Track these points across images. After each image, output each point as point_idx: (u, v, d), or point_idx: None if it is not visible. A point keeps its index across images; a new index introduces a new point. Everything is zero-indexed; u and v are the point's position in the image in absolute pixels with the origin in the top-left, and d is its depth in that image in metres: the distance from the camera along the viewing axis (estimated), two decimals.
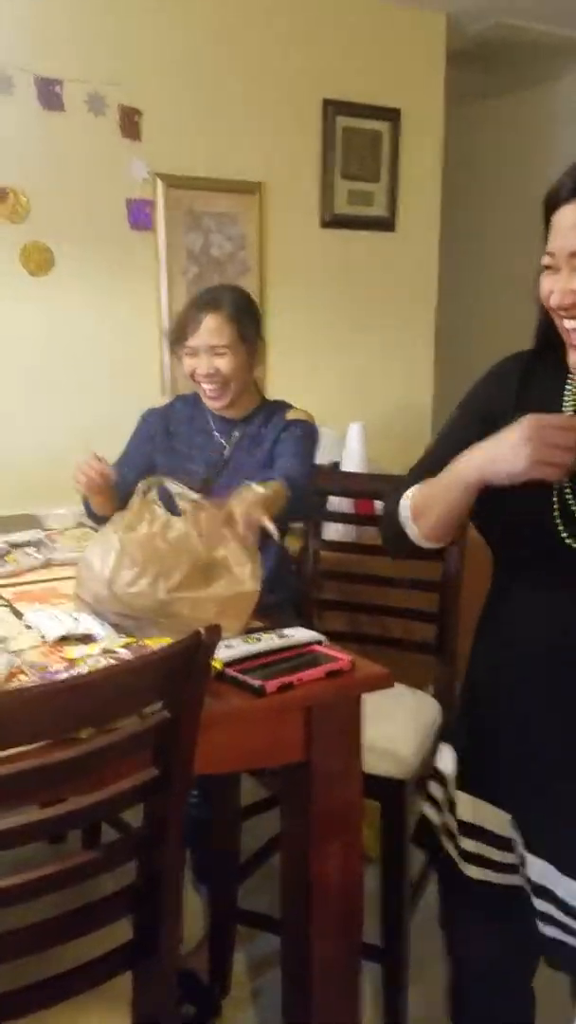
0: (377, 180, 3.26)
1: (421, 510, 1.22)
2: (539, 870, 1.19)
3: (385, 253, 3.38)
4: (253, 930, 2.01)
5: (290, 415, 2.07)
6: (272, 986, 1.91)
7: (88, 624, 1.45)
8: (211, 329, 1.96)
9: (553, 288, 1.12)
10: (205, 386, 2.01)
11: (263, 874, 2.02)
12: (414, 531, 1.24)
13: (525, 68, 3.84)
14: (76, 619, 1.47)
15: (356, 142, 3.20)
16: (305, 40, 3.09)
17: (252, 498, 1.57)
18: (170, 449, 2.11)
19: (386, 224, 3.34)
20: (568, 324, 1.12)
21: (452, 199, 3.62)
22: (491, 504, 1.18)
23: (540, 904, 1.20)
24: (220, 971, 1.90)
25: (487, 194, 4.22)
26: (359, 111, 3.19)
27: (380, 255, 3.37)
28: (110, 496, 1.97)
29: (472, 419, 1.25)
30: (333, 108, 3.14)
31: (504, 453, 1.08)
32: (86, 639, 1.41)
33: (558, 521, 1.13)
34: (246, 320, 2.00)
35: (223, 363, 1.97)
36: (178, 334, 2.02)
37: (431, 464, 1.24)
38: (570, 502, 1.13)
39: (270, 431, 2.05)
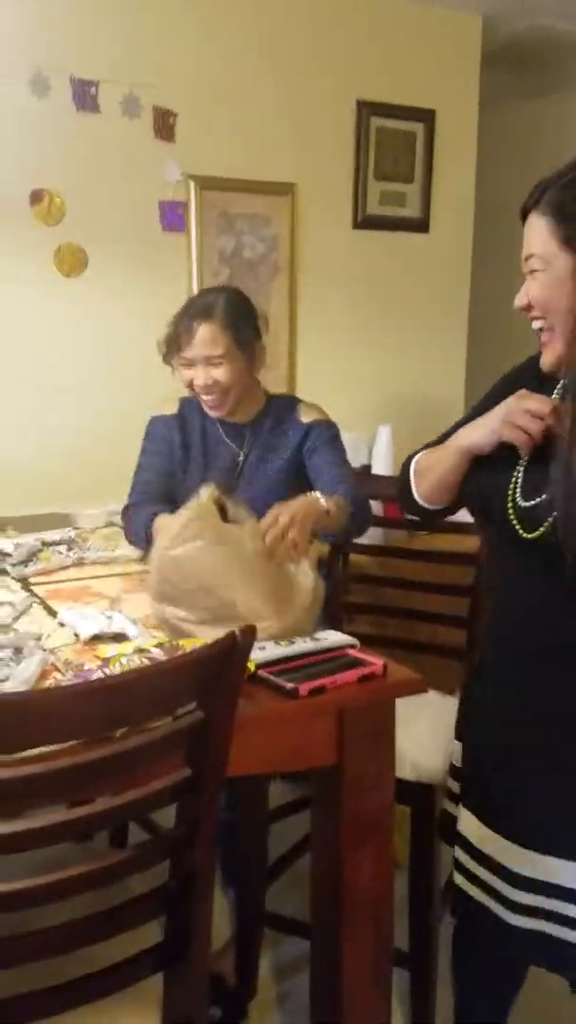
0: (411, 181, 3.25)
1: (422, 472, 1.39)
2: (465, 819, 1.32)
3: (418, 254, 3.37)
4: (279, 933, 2.00)
5: (304, 417, 2.01)
6: (298, 991, 1.90)
7: (121, 623, 1.45)
8: (205, 339, 1.88)
9: None
10: (204, 397, 1.95)
11: (290, 877, 2.01)
12: (415, 491, 1.40)
13: (560, 70, 3.80)
14: (109, 617, 1.47)
15: (390, 143, 3.19)
16: (339, 40, 3.08)
17: (305, 507, 1.55)
18: (187, 461, 2.04)
19: (419, 225, 3.32)
20: (534, 325, 1.24)
21: (484, 201, 3.59)
22: (469, 496, 1.34)
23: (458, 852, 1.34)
24: (246, 974, 1.89)
25: (519, 196, 4.17)
26: (393, 112, 3.17)
27: (413, 256, 3.36)
28: None
29: (495, 401, 1.31)
30: (367, 109, 3.13)
31: (485, 419, 1.26)
32: (118, 638, 1.42)
33: (511, 512, 1.22)
34: (241, 324, 1.92)
35: (221, 373, 1.90)
36: (172, 345, 1.94)
37: (447, 435, 1.40)
38: (518, 495, 1.22)
39: (288, 437, 1.99)
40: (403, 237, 3.32)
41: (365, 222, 3.21)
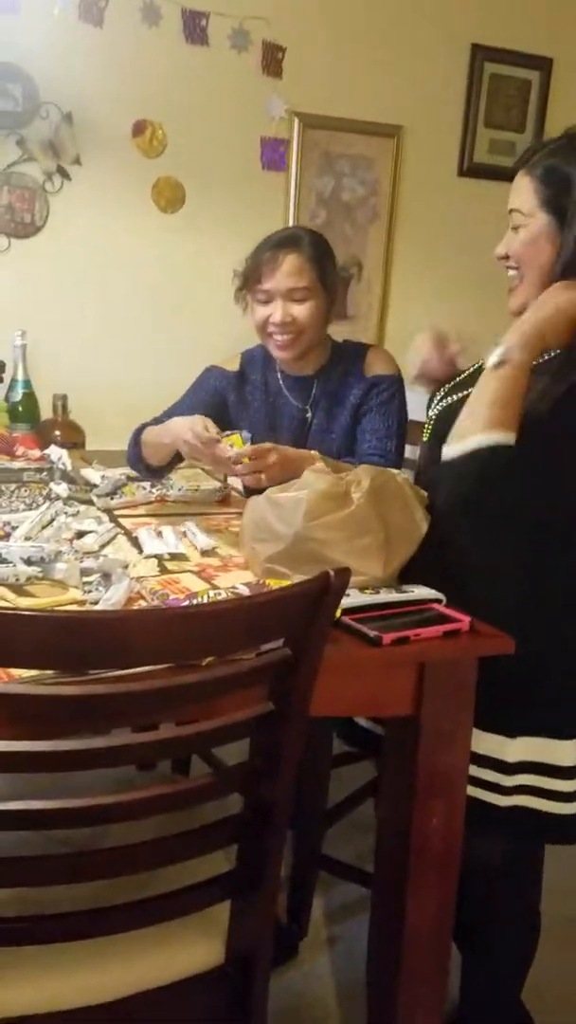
0: (522, 131, 3.13)
1: None
2: None
3: None
4: (333, 878, 2.02)
5: (368, 369, 1.89)
6: (349, 934, 1.92)
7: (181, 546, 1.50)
8: (290, 270, 1.77)
9: None
10: (277, 337, 1.83)
11: (346, 824, 2.03)
12: None
13: None
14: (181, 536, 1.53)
15: (503, 90, 3.07)
16: None
17: (296, 462, 1.54)
18: (246, 420, 1.94)
19: None
20: (508, 273, 1.42)
21: None
22: None
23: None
24: (299, 913, 1.92)
25: None
26: (508, 58, 3.05)
27: None
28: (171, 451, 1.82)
29: None
30: (481, 53, 3.01)
31: None
32: (177, 557, 1.46)
33: None
34: (327, 263, 1.83)
35: (301, 311, 1.80)
36: (251, 276, 1.82)
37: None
38: None
39: (352, 387, 1.89)
40: (510, 188, 3.20)
41: (471, 170, 3.11)
